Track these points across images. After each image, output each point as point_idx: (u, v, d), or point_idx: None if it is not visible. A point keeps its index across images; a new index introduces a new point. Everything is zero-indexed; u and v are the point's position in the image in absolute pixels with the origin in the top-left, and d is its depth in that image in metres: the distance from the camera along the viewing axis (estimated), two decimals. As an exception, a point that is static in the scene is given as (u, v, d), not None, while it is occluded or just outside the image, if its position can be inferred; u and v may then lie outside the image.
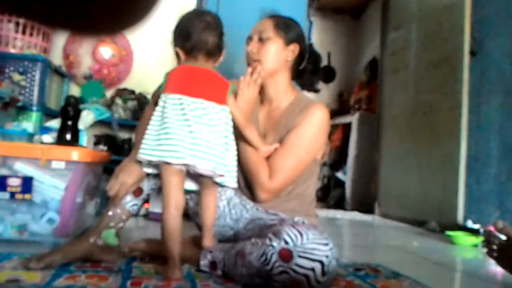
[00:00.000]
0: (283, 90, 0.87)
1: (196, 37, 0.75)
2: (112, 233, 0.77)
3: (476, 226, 1.52)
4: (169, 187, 0.70)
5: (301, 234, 0.63)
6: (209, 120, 0.72)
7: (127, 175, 0.76)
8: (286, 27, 0.85)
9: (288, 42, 0.85)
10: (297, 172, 0.80)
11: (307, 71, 0.90)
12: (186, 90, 0.72)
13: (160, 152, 0.69)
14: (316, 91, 0.93)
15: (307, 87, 0.92)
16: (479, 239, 1.38)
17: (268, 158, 0.80)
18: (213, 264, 0.73)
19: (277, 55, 0.84)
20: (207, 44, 0.76)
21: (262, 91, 0.88)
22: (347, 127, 2.49)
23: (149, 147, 0.71)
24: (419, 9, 2.02)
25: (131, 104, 2.02)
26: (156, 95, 0.79)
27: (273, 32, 0.84)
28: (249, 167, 0.80)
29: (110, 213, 0.79)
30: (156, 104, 0.77)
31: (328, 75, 2.94)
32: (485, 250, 0.82)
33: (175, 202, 0.70)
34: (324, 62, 2.95)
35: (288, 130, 0.82)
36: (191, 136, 0.69)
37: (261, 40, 0.84)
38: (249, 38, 0.87)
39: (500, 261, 0.80)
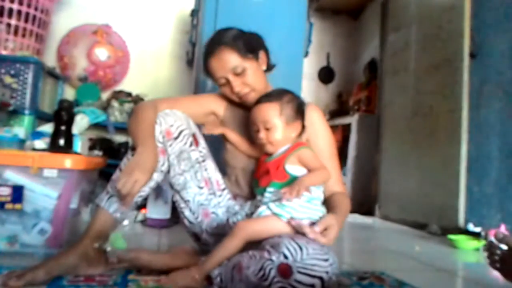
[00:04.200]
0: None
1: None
2: (119, 236, 0.73)
3: (478, 229, 1.50)
4: (272, 232, 0.69)
5: (300, 248, 0.61)
6: None
7: (141, 172, 0.69)
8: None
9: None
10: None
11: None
12: None
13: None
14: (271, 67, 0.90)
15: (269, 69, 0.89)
16: (480, 243, 1.37)
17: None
18: (208, 279, 0.70)
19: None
20: None
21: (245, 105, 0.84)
22: (346, 128, 2.47)
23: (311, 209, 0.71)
24: (419, 10, 2.01)
25: (128, 106, 1.99)
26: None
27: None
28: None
29: (117, 214, 0.76)
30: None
31: (327, 76, 2.93)
32: (487, 261, 0.81)
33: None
34: (323, 63, 2.94)
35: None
36: None
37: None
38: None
39: (503, 271, 0.78)
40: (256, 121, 0.77)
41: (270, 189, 0.74)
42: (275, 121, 0.75)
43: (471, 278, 1.03)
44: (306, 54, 1.71)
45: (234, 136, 0.86)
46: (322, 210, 0.73)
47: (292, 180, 0.73)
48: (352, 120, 2.45)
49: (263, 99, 0.78)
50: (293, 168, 0.75)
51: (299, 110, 0.78)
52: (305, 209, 0.70)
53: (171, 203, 1.39)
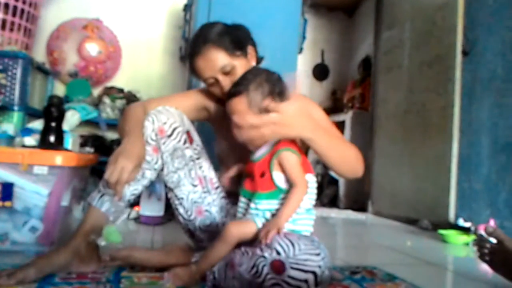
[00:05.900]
0: None
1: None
2: (114, 229, 0.72)
3: (467, 225, 1.54)
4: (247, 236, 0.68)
5: (292, 244, 0.61)
6: None
7: (126, 159, 0.68)
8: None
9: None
10: None
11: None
12: None
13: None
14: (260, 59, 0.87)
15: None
16: (470, 238, 1.40)
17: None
18: (202, 276, 0.70)
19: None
20: None
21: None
22: (340, 125, 2.49)
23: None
24: (412, 8, 2.02)
25: (120, 103, 1.96)
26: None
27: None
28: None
29: (104, 208, 0.74)
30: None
31: (321, 73, 2.93)
32: (477, 254, 0.82)
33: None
34: (317, 60, 2.94)
35: None
36: None
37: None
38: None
39: (492, 264, 0.80)
40: (230, 117, 0.69)
41: (255, 201, 0.69)
42: (246, 117, 0.65)
43: (460, 271, 1.05)
44: (300, 50, 1.71)
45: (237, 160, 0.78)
46: (308, 221, 0.71)
47: (278, 192, 0.68)
48: (346, 117, 2.46)
49: (232, 90, 0.70)
50: (279, 176, 0.68)
51: (272, 92, 0.67)
52: (290, 225, 0.68)
53: (165, 199, 1.38)
